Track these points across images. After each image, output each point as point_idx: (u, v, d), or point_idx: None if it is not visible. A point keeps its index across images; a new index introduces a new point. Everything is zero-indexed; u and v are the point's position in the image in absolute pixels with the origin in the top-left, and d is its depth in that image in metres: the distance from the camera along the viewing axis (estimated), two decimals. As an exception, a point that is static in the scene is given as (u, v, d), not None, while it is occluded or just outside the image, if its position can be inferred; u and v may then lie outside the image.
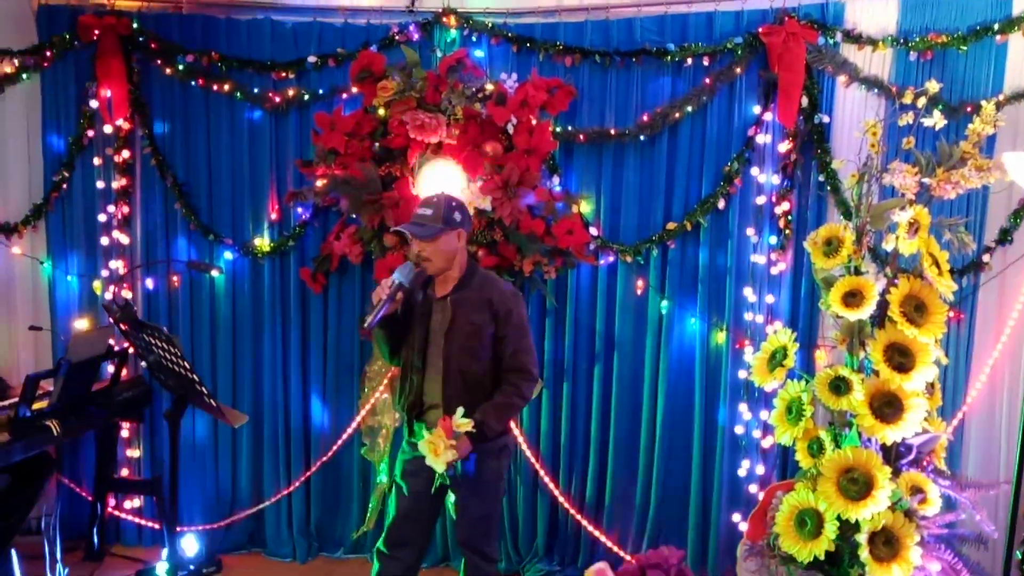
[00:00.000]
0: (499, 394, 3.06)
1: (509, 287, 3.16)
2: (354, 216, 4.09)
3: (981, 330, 4.06)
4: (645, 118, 4.08)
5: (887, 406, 3.02)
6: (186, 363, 2.72)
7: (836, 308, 3.04)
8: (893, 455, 3.01)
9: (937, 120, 2.98)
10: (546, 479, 4.36)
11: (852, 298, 3.05)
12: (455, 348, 3.04)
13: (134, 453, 4.64)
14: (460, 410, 2.88)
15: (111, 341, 3.94)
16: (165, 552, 3.10)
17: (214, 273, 4.05)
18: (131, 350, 3.86)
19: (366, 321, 2.94)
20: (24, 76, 4.32)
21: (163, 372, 2.87)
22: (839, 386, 3.02)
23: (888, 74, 3.94)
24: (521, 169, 3.87)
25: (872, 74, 3.94)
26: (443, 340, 3.04)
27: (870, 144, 3.15)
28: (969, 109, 3.80)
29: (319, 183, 4.10)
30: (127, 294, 4.50)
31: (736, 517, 4.21)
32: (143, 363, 2.90)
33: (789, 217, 4.06)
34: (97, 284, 4.50)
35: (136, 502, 4.67)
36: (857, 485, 2.89)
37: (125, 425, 4.52)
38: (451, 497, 3.19)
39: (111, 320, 2.95)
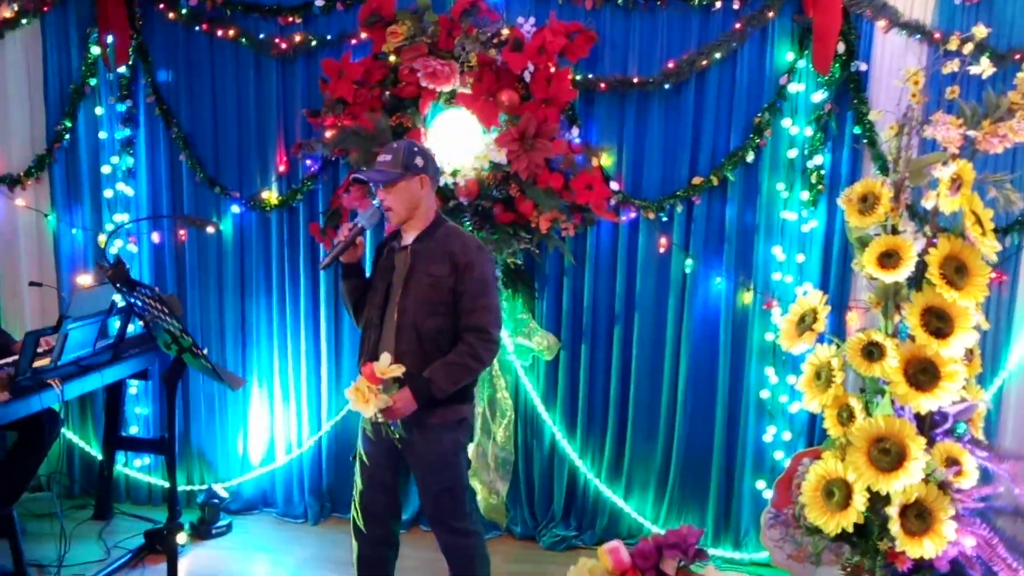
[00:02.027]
0: (452, 353, 2.92)
1: (475, 241, 3.05)
2: (363, 169, 3.99)
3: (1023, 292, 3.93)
4: (671, 65, 3.93)
5: (922, 373, 2.92)
6: (178, 323, 2.66)
7: (871, 269, 2.94)
8: (927, 424, 2.93)
9: (985, 68, 2.84)
10: (563, 443, 4.31)
11: (888, 259, 2.95)
12: (411, 300, 2.92)
13: (143, 410, 4.65)
14: (386, 355, 2.75)
15: (115, 297, 3.92)
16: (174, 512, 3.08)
17: (210, 230, 3.97)
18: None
19: (322, 261, 2.84)
20: (24, 21, 4.24)
21: (159, 332, 2.83)
22: (872, 352, 2.93)
23: (930, 19, 3.76)
24: (538, 120, 3.75)
25: (913, 19, 3.75)
26: (400, 292, 2.94)
27: (911, 94, 3.01)
28: (1018, 56, 3.63)
29: (327, 134, 4.01)
30: (132, 248, 4.47)
31: (760, 484, 4.16)
32: (141, 321, 2.84)
33: (822, 172, 3.92)
34: (102, 238, 4.47)
35: (145, 460, 4.69)
36: (889, 456, 2.81)
37: (133, 382, 4.51)
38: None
39: (107, 278, 2.90)
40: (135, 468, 4.69)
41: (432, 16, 3.82)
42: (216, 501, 4.36)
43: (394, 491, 3.13)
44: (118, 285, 2.85)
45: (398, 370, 2.72)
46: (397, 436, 2.88)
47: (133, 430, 4.63)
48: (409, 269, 2.94)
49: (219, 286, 4.51)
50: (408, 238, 3.01)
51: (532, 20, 3.84)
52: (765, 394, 4.12)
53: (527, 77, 3.75)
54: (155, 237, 4.49)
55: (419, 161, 2.94)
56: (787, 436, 4.11)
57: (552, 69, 3.77)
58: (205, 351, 2.70)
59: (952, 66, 2.83)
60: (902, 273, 2.91)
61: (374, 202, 3.00)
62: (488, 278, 2.99)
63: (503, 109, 3.77)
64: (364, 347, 3.04)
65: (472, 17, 3.80)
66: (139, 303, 2.83)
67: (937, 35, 3.67)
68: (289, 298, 4.45)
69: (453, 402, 2.97)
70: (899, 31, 3.76)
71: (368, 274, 3.15)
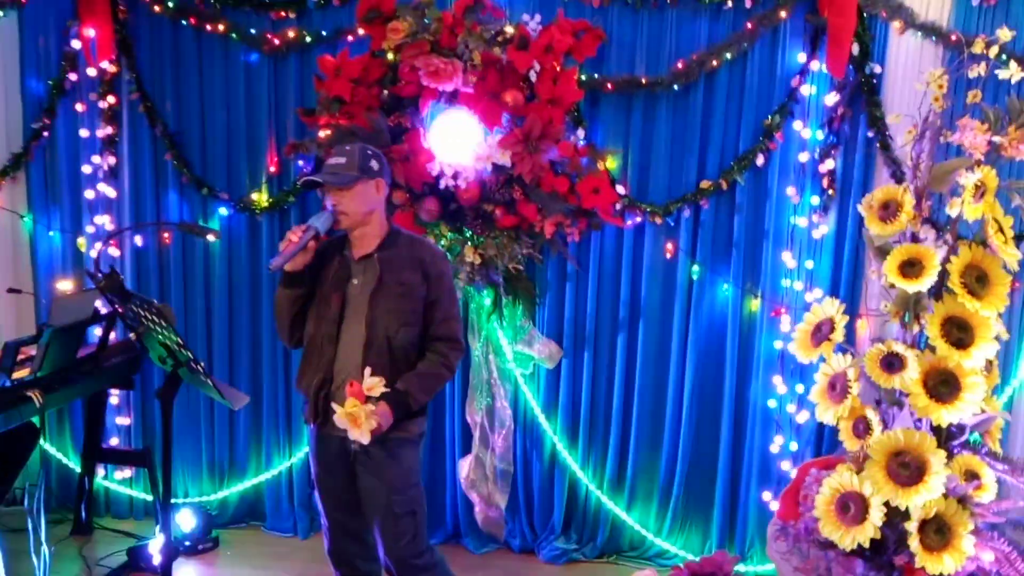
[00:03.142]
0: (423, 363, 2.86)
1: (439, 248, 3.01)
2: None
3: (1036, 300, 3.91)
4: (679, 65, 3.85)
5: (943, 385, 2.87)
6: (179, 338, 2.54)
7: (893, 278, 2.89)
8: (944, 436, 2.89)
9: (1014, 72, 2.79)
10: (564, 453, 4.23)
11: (910, 268, 2.90)
12: (381, 312, 2.82)
13: (124, 421, 4.51)
14: (368, 370, 2.66)
15: (97, 304, 3.79)
16: (158, 527, 2.95)
17: (210, 238, 3.81)
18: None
19: (272, 262, 2.72)
20: (0, 13, 4.08)
21: (153, 346, 2.70)
22: (892, 363, 2.88)
23: (947, 20, 3.71)
24: (544, 121, 3.66)
25: (929, 20, 3.70)
26: (367, 304, 2.82)
27: (934, 98, 2.96)
28: (1036, 59, 3.59)
29: (322, 134, 3.89)
30: (114, 252, 4.33)
31: (766, 495, 4.09)
32: (132, 334, 2.71)
33: (834, 176, 3.86)
34: (82, 241, 4.34)
35: (127, 472, 4.55)
36: (908, 470, 2.77)
37: (114, 392, 4.37)
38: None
39: (96, 289, 2.77)
40: (116, 481, 4.54)
41: (435, 12, 3.72)
42: (201, 515, 4.24)
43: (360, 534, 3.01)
44: (110, 296, 2.71)
45: (381, 385, 2.63)
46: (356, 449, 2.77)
47: (113, 441, 4.48)
48: (377, 279, 2.83)
49: (206, 292, 4.37)
50: (365, 247, 2.89)
51: (538, 18, 3.75)
52: (772, 404, 4.06)
53: (532, 76, 3.65)
54: (138, 240, 4.34)
55: (374, 164, 2.85)
56: (794, 446, 4.06)
57: (558, 68, 3.68)
58: (203, 365, 2.58)
59: (980, 69, 2.79)
60: (925, 283, 2.86)
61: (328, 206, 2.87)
62: (453, 287, 3.00)
63: (507, 110, 3.68)
64: (313, 364, 2.90)
65: (476, 14, 3.70)
66: (131, 314, 2.69)
67: (954, 37, 3.62)
68: (279, 304, 4.31)
69: (415, 415, 2.89)
70: (914, 33, 3.71)
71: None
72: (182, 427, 4.45)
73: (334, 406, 2.68)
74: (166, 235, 4.31)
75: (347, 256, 2.90)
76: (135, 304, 2.61)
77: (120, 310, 2.86)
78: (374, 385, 2.64)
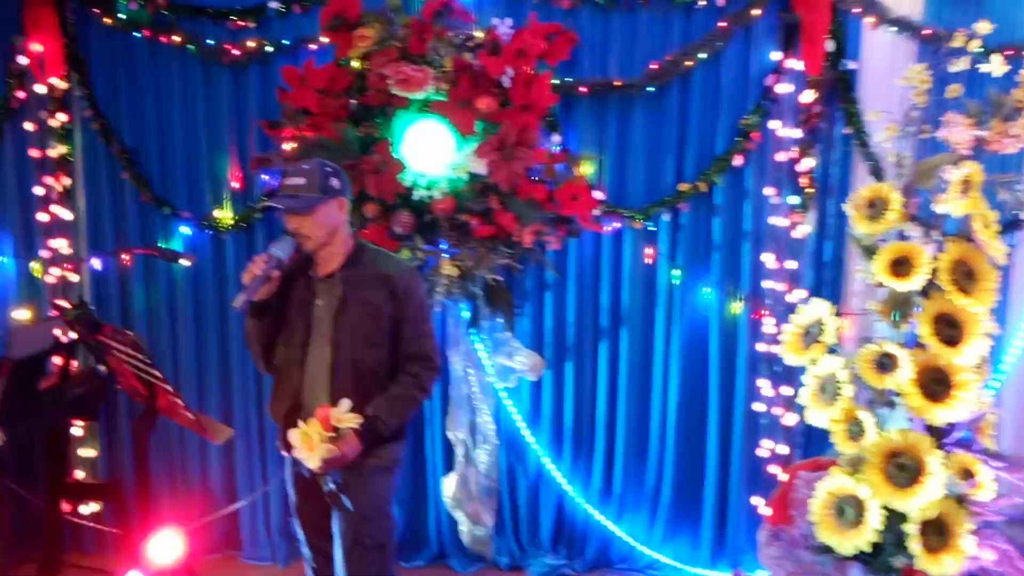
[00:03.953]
0: (394, 385, 2.73)
1: (406, 263, 2.89)
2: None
3: (1016, 292, 3.93)
4: (654, 67, 3.82)
5: (936, 384, 2.86)
6: (157, 371, 2.41)
7: (883, 278, 2.86)
8: (936, 435, 2.87)
9: (996, 66, 2.78)
10: (550, 467, 4.16)
11: (900, 266, 2.89)
12: (347, 333, 2.69)
13: (89, 453, 4.34)
14: (345, 402, 2.53)
15: (57, 331, 3.63)
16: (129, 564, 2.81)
17: (183, 262, 3.63)
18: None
19: (236, 301, 2.58)
20: (-59, 28, 3.91)
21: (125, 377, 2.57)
22: (885, 363, 2.86)
23: (920, 14, 3.71)
24: (518, 127, 3.58)
25: (903, 15, 3.70)
26: (331, 325, 2.70)
27: (916, 94, 2.94)
28: (1010, 53, 3.59)
29: (287, 146, 3.76)
30: (72, 277, 4.16)
31: (756, 500, 4.06)
32: (101, 367, 2.57)
33: (812, 175, 3.84)
34: (35, 266, 4.16)
35: (94, 506, 4.37)
36: (906, 471, 2.75)
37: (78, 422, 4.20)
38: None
39: (63, 322, 2.62)
40: (82, 515, 4.35)
41: (403, 18, 3.62)
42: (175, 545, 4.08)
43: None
44: (80, 329, 2.57)
45: (354, 421, 2.50)
46: (328, 490, 2.58)
47: (79, 474, 4.30)
48: (341, 299, 2.71)
49: (170, 316, 4.22)
50: (329, 265, 2.76)
51: (509, 22, 3.66)
52: (758, 407, 4.04)
53: (506, 82, 3.57)
54: (96, 264, 4.18)
55: (335, 182, 2.71)
56: (783, 449, 4.03)
57: (531, 73, 3.60)
58: (183, 398, 2.44)
59: (962, 64, 2.77)
60: (916, 281, 2.84)
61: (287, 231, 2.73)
62: (426, 302, 2.86)
63: (481, 117, 3.60)
64: (281, 390, 2.78)
65: (444, 19, 3.61)
66: (101, 347, 2.56)
67: (928, 31, 3.62)
68: (249, 325, 4.18)
69: (390, 440, 2.77)
70: (888, 28, 3.71)
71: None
72: (152, 453, 4.28)
73: (300, 424, 2.54)
74: (125, 257, 4.15)
75: (311, 276, 2.78)
76: (106, 335, 2.47)
77: (88, 344, 2.71)
78: (344, 418, 2.49)
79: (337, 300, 2.71)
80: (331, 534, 2.81)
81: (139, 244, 4.15)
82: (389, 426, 2.68)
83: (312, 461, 2.46)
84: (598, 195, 3.88)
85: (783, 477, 3.93)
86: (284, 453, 2.82)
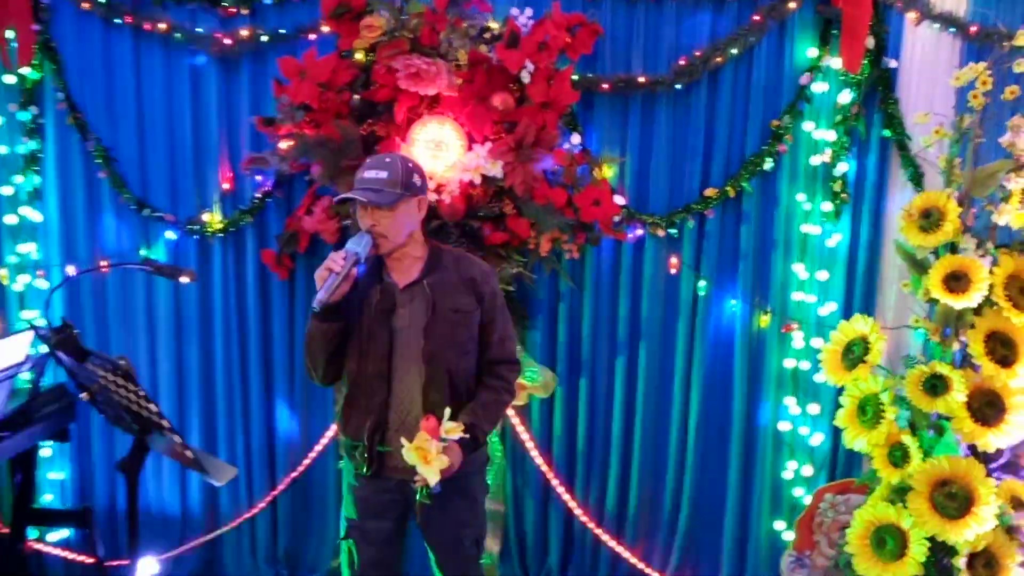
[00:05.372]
0: (484, 390, 2.67)
1: (483, 262, 2.76)
2: (328, 186, 3.51)
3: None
4: (681, 63, 3.61)
5: (988, 407, 2.71)
6: (153, 405, 2.14)
7: (937, 294, 2.68)
8: (982, 460, 2.70)
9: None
10: (559, 489, 3.94)
11: (956, 282, 2.71)
12: (440, 344, 2.57)
13: (58, 475, 4.07)
14: (448, 411, 2.45)
15: (25, 346, 3.34)
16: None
17: (184, 280, 3.28)
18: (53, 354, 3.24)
19: (315, 301, 2.40)
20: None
21: (112, 407, 2.28)
22: (935, 385, 2.69)
23: (963, 10, 3.54)
24: (537, 127, 3.34)
25: (947, 10, 3.52)
26: (422, 336, 2.56)
27: (973, 95, 2.76)
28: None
29: (283, 145, 3.50)
30: (41, 284, 3.87)
31: (780, 525, 3.90)
32: (82, 394, 2.29)
33: (847, 180, 3.67)
34: (2, 273, 3.88)
35: (63, 533, 4.11)
36: (956, 501, 2.59)
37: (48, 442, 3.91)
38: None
39: (43, 343, 2.34)
40: (50, 543, 4.08)
41: (416, 6, 3.36)
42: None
43: (400, 567, 2.80)
44: (63, 355, 2.28)
45: (460, 431, 2.44)
46: (427, 494, 2.49)
47: (47, 498, 4.05)
48: (431, 309, 2.57)
49: (150, 327, 3.98)
50: (408, 271, 2.60)
51: (529, 11, 3.42)
52: (784, 426, 3.86)
53: (525, 78, 3.32)
54: (70, 270, 3.88)
55: (417, 179, 2.56)
56: (808, 471, 3.85)
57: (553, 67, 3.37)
58: (180, 436, 2.16)
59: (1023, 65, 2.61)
60: (974, 298, 2.66)
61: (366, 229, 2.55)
62: (505, 303, 2.76)
63: (497, 115, 3.35)
64: (361, 406, 2.61)
65: (459, 8, 3.36)
66: (85, 373, 2.27)
67: (974, 29, 3.44)
68: (236, 340, 3.96)
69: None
70: (931, 24, 3.52)
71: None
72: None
73: (403, 441, 2.42)
74: (102, 263, 3.86)
75: (389, 283, 2.60)
76: (93, 363, 2.18)
77: (71, 370, 2.42)
78: (453, 429, 2.43)
79: (426, 310, 2.58)
80: (397, 546, 2.75)
81: (115, 251, 3.90)
82: (486, 432, 2.66)
83: (433, 476, 2.38)
84: (618, 200, 3.66)
85: (808, 500, 3.77)
86: (362, 472, 2.65)
